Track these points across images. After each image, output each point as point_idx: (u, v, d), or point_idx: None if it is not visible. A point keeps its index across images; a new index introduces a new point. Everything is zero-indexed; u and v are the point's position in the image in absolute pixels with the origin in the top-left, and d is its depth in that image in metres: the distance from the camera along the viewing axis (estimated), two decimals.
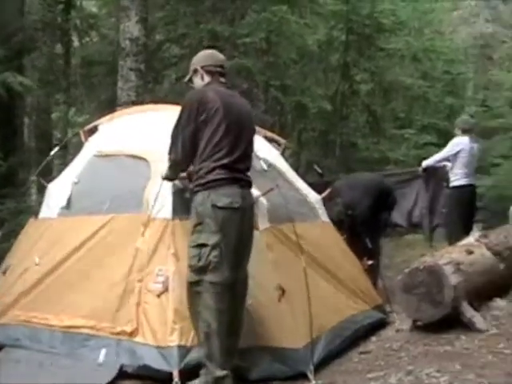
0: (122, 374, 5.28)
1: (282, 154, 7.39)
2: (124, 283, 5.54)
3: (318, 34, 14.84)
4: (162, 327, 5.30)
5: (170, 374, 5.09)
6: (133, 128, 6.57)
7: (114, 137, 6.62)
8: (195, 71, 5.42)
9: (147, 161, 5.97)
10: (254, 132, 5.43)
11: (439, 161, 9.99)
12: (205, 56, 5.48)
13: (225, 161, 5.02)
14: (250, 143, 5.32)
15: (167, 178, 5.50)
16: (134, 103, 11.30)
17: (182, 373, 5.10)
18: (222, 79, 5.37)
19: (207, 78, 5.35)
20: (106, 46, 14.24)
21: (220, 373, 4.88)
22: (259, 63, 13.32)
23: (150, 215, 5.66)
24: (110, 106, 13.08)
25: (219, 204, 4.94)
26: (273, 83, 13.50)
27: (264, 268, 5.61)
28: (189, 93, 5.31)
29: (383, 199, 8.63)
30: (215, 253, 4.91)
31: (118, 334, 5.41)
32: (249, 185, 5.21)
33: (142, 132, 6.42)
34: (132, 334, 5.37)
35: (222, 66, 5.41)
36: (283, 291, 5.63)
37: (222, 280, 4.92)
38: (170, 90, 14.76)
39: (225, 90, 5.28)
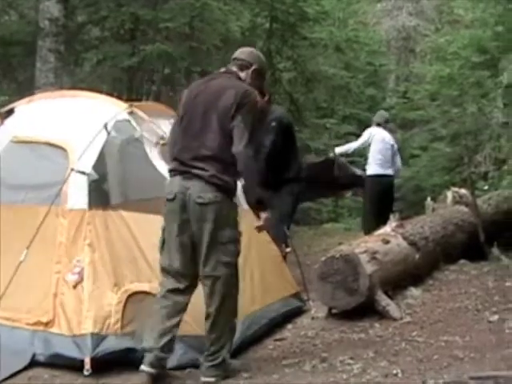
0: (35, 363, 5.24)
1: None
2: (42, 275, 5.49)
3: (241, 21, 14.73)
4: (77, 317, 5.27)
5: (83, 361, 5.05)
6: (51, 114, 6.38)
7: (32, 121, 6.42)
8: None
9: (65, 150, 5.85)
10: (216, 115, 5.05)
11: (354, 150, 10.07)
12: None
13: (173, 153, 5.18)
14: (204, 128, 5.06)
15: None
16: (53, 85, 11.11)
17: (94, 360, 5.06)
18: (223, 69, 5.44)
19: None
20: (25, 26, 13.89)
21: (145, 344, 5.03)
22: (181, 48, 13.18)
23: (67, 206, 5.61)
24: (28, 87, 12.79)
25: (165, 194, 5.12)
26: (194, 69, 13.37)
27: None
28: None
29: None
30: (161, 238, 5.11)
31: (34, 324, 5.36)
32: (198, 176, 4.96)
33: (60, 119, 6.25)
34: (48, 324, 5.34)
35: (234, 59, 5.45)
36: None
37: (163, 265, 5.11)
38: (90, 73, 14.53)
39: (204, 80, 5.43)
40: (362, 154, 12.05)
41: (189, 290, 5.12)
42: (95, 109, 5.77)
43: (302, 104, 16.41)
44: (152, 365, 4.97)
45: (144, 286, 5.56)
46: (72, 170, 5.63)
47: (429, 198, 11.38)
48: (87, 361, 5.03)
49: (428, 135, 17.08)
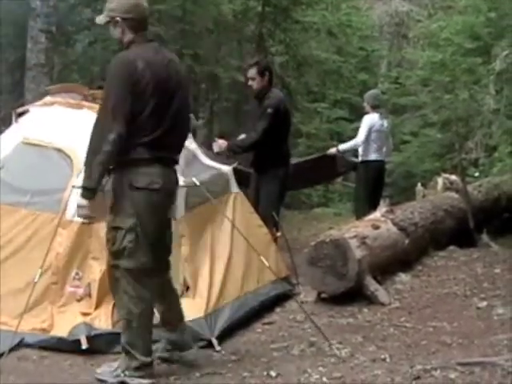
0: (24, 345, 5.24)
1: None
2: (39, 283, 5.37)
3: (233, 4, 14.69)
4: (72, 324, 5.35)
5: (77, 342, 5.15)
6: (66, 121, 6.34)
7: (44, 126, 6.39)
8: (115, 21, 4.69)
9: (71, 159, 5.88)
10: (185, 94, 4.84)
11: (358, 145, 9.86)
12: (128, 5, 4.68)
13: (147, 138, 4.53)
14: (181, 111, 4.75)
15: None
16: (43, 66, 11.08)
17: (90, 340, 5.17)
18: (147, 35, 4.77)
19: (130, 35, 4.69)
20: (16, 6, 13.80)
21: (144, 359, 4.58)
22: (173, 31, 13.14)
23: (67, 217, 5.59)
24: (19, 68, 12.75)
25: (137, 184, 4.51)
26: (186, 52, 13.31)
27: (174, 264, 5.37)
28: (115, 60, 4.65)
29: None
30: (130, 237, 4.53)
31: (31, 330, 5.34)
32: (174, 162, 4.79)
33: (73, 128, 6.19)
34: (45, 330, 5.37)
35: (146, 19, 4.76)
36: (187, 288, 5.76)
37: (139, 265, 4.55)
38: (82, 54, 14.46)
39: (151, 54, 4.65)
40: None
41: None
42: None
43: (293, 88, 16.37)
44: (162, 349, 5.00)
45: None
46: (73, 186, 5.48)
47: (419, 184, 11.41)
48: (83, 340, 5.13)
49: (419, 121, 17.06)
